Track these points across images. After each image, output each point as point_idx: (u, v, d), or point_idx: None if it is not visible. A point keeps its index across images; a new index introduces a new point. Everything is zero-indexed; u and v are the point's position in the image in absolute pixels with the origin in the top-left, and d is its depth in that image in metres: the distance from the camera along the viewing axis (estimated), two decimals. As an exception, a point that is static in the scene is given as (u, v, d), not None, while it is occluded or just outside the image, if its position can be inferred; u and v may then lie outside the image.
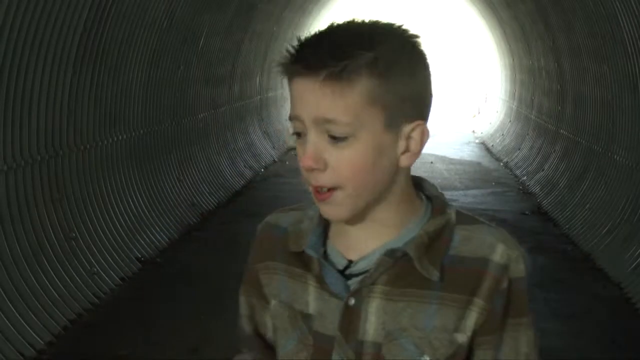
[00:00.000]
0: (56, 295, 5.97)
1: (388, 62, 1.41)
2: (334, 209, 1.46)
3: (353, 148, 1.42)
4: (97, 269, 6.71)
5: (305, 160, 1.43)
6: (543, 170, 11.69)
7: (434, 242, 1.47)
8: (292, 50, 1.43)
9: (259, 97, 14.72)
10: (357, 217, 1.49)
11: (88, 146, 7.15)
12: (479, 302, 1.45)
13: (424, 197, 1.54)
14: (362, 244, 1.50)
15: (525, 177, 12.27)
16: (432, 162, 14.15)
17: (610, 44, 8.77)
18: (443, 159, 14.81)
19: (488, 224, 1.52)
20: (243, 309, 1.65)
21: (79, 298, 6.23)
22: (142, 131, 8.55)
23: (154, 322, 6.14)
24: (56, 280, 6.08)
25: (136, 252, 7.54)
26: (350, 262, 1.50)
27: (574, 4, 10.02)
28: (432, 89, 1.49)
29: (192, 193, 9.76)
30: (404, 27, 1.47)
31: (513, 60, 16.49)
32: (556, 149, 11.64)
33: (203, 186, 10.23)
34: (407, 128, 1.45)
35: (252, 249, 1.64)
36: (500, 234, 1.50)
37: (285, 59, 1.43)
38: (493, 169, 13.81)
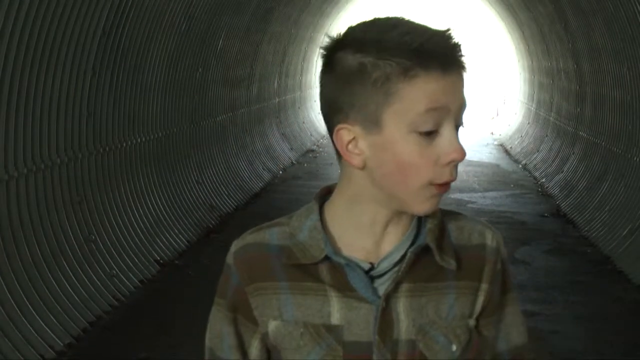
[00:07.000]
0: (75, 298, 5.99)
1: None
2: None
3: None
4: (117, 271, 6.73)
5: (461, 151, 1.45)
6: (562, 172, 11.64)
7: (441, 234, 1.52)
8: (414, 45, 1.40)
9: (277, 99, 14.72)
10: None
11: (107, 148, 7.17)
12: (484, 287, 1.54)
13: None
14: (377, 246, 1.50)
15: (544, 179, 12.23)
16: (450, 164, 14.09)
17: (629, 46, 8.73)
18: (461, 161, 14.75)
19: (465, 215, 1.59)
20: (229, 339, 1.57)
21: (98, 300, 6.25)
22: (161, 133, 8.57)
23: (173, 324, 6.15)
24: (76, 282, 6.10)
25: (155, 254, 7.56)
26: (372, 264, 1.50)
27: (593, 6, 9.98)
28: None
29: (211, 195, 9.78)
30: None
31: (532, 62, 16.43)
32: (575, 150, 11.59)
33: (222, 188, 10.24)
34: None
35: (229, 275, 1.59)
36: (482, 221, 1.59)
37: (406, 55, 1.40)
38: (512, 171, 13.77)
